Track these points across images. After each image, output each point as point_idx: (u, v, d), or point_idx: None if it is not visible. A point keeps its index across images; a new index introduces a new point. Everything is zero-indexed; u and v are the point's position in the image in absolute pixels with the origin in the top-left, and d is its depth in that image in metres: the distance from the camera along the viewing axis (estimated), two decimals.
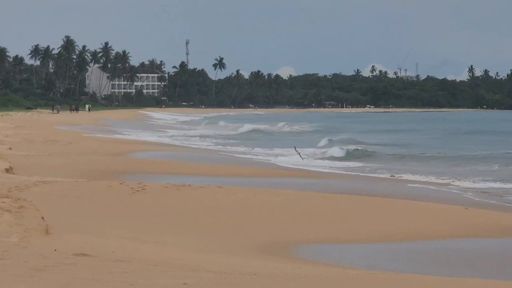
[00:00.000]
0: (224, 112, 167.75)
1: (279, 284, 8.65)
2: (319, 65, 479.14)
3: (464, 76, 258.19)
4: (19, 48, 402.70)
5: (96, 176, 23.43)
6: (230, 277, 8.85)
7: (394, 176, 28.84)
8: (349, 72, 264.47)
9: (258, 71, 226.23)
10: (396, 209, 17.82)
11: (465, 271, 12.10)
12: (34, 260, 9.16)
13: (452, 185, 25.77)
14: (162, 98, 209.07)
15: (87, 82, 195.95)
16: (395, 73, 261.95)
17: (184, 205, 17.20)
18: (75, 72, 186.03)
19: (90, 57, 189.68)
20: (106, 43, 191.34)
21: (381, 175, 29.40)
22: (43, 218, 12.55)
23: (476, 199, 21.74)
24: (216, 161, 34.23)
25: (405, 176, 28.56)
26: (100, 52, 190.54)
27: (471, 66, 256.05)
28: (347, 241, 14.42)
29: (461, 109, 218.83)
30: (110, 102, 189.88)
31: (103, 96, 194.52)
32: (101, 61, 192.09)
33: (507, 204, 20.72)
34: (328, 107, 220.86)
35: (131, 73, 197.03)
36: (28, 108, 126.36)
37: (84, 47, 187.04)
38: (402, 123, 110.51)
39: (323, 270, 10.51)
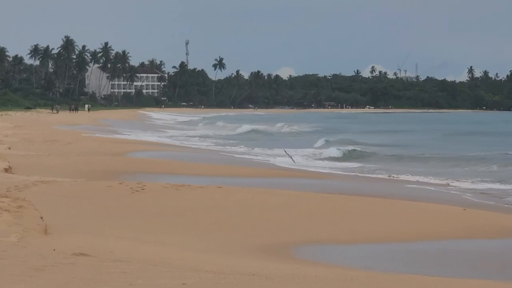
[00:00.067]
0: (223, 112, 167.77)
1: (278, 284, 8.65)
2: (319, 65, 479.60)
3: (463, 77, 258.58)
4: (18, 47, 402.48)
5: (95, 176, 23.43)
6: (229, 277, 8.86)
7: (391, 176, 28.85)
8: (348, 72, 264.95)
9: (258, 72, 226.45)
10: (395, 209, 17.82)
11: (464, 272, 12.10)
12: (33, 260, 9.16)
13: (450, 186, 25.78)
14: (162, 98, 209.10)
15: (86, 82, 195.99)
16: (395, 73, 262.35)
17: (183, 205, 17.20)
18: (75, 72, 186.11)
19: (90, 57, 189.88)
20: (106, 43, 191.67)
21: (380, 176, 29.39)
22: (42, 218, 12.55)
23: (475, 200, 21.74)
24: (215, 161, 34.23)
25: (404, 177, 28.56)
26: (100, 52, 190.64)
27: (471, 67, 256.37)
28: (347, 241, 14.42)
29: (460, 110, 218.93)
30: (110, 102, 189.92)
31: (103, 96, 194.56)
32: (101, 61, 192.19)
33: (506, 205, 20.72)
34: (328, 108, 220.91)
35: (131, 73, 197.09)
36: (28, 108, 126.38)
37: (83, 47, 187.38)
38: (401, 123, 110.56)
39: (322, 271, 10.51)
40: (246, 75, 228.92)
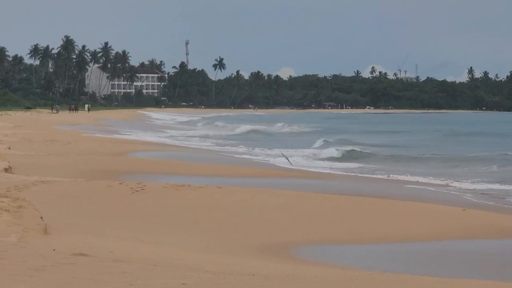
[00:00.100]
0: (224, 112, 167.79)
1: (278, 284, 8.65)
2: (319, 66, 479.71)
3: (463, 78, 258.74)
4: (18, 47, 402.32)
5: (95, 176, 23.43)
6: (229, 277, 8.86)
7: (390, 177, 28.85)
8: (349, 73, 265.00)
9: (258, 72, 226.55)
10: (395, 210, 17.82)
11: (464, 272, 12.10)
12: (33, 260, 9.16)
13: (450, 186, 25.77)
14: (162, 98, 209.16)
15: (86, 82, 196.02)
16: (395, 74, 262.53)
17: (183, 205, 17.20)
18: (75, 72, 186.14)
19: (90, 57, 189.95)
20: (106, 43, 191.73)
21: (379, 176, 29.38)
22: (42, 218, 12.55)
23: (475, 200, 21.74)
24: (215, 161, 34.23)
25: (404, 177, 28.55)
26: (100, 52, 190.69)
27: (471, 67, 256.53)
28: (347, 242, 14.43)
29: (460, 111, 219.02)
30: (110, 102, 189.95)
31: (103, 96, 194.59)
32: (101, 61, 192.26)
33: (506, 206, 20.72)
34: (328, 108, 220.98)
35: (131, 73, 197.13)
36: (28, 108, 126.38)
37: (83, 47, 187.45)
38: (401, 124, 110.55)
39: (322, 271, 10.51)
40: (246, 75, 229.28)
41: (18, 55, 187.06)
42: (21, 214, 12.37)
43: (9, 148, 33.07)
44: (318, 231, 15.14)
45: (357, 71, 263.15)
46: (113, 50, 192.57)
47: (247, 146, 49.43)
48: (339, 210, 17.55)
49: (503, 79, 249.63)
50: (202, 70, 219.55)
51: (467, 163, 35.97)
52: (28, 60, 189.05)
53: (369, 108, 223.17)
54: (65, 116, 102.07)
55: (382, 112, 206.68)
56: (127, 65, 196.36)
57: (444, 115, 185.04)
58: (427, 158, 39.58)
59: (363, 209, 17.64)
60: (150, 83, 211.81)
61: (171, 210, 16.66)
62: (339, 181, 26.37)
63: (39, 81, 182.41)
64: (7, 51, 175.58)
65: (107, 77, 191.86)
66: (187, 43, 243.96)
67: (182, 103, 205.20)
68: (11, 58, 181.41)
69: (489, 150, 45.52)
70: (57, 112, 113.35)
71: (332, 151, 41.99)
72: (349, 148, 43.92)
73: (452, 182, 26.80)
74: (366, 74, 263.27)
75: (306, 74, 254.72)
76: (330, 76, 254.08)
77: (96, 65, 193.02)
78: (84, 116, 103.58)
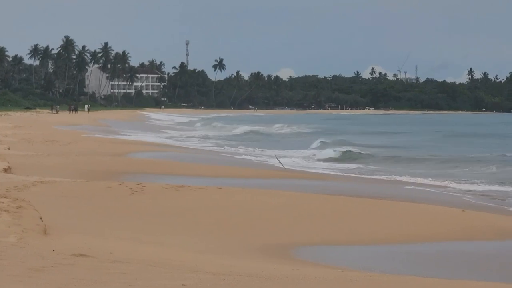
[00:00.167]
0: (223, 113, 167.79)
1: (278, 285, 8.65)
2: (319, 66, 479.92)
3: (463, 79, 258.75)
4: (18, 47, 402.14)
5: (95, 176, 23.43)
6: (229, 278, 8.86)
7: (390, 177, 28.85)
8: (349, 74, 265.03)
9: (258, 72, 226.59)
10: (394, 211, 17.82)
11: (463, 273, 12.10)
12: (32, 260, 9.16)
13: (449, 187, 25.78)
14: (162, 98, 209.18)
15: (86, 82, 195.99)
16: (395, 75, 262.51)
17: (183, 206, 17.20)
18: (75, 72, 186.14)
19: (90, 57, 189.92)
20: (106, 43, 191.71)
21: (378, 177, 29.37)
22: (41, 218, 12.54)
23: (474, 201, 21.74)
24: (215, 162, 34.23)
25: (403, 178, 28.55)
26: (100, 52, 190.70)
27: (471, 68, 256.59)
28: (346, 243, 14.43)
29: (460, 112, 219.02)
30: (110, 102, 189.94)
31: (103, 97, 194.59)
32: (101, 61, 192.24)
33: (505, 207, 20.72)
34: (328, 109, 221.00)
35: (131, 73, 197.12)
36: (27, 108, 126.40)
37: (83, 47, 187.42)
38: (400, 125, 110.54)
39: (322, 272, 10.51)
40: (246, 76, 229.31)
41: (18, 55, 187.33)
42: (20, 215, 12.37)
43: (9, 149, 33.06)
44: (318, 231, 15.14)
45: (357, 72, 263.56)
46: (113, 50, 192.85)
47: (246, 147, 49.42)
48: (338, 211, 17.55)
49: (503, 80, 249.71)
50: (202, 70, 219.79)
51: (467, 164, 35.98)
52: (28, 60, 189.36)
53: (369, 109, 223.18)
54: (65, 116, 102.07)
55: (382, 113, 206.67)
56: (127, 65, 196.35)
57: (444, 116, 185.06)
58: (427, 159, 39.57)
59: (363, 210, 17.65)
60: (150, 83, 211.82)
61: (171, 211, 16.66)
62: (338, 182, 26.37)
63: (39, 82, 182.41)
64: (7, 51, 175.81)
65: (107, 78, 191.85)
66: (187, 44, 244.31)
67: (182, 104, 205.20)
68: (11, 58, 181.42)
69: (489, 151, 45.52)
70: (56, 113, 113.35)
71: (329, 152, 41.98)
72: (345, 149, 43.84)
73: (451, 183, 26.81)
74: (366, 75, 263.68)
75: (306, 75, 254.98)
76: (330, 77, 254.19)
77: (96, 65, 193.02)
78: (84, 117, 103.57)
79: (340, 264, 12.24)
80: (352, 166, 35.24)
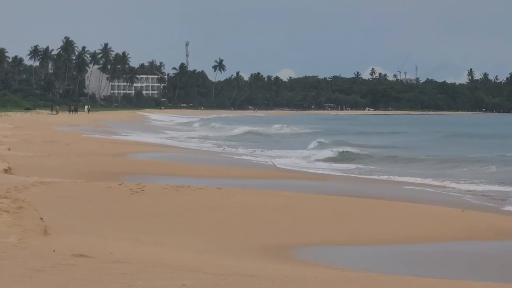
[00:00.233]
0: (223, 114, 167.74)
1: (278, 285, 8.66)
2: (319, 67, 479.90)
3: (463, 79, 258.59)
4: (18, 48, 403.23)
5: (95, 177, 23.43)
6: (229, 278, 8.86)
7: (390, 177, 28.85)
8: (349, 74, 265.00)
9: (258, 73, 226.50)
10: (394, 211, 17.83)
11: (463, 273, 12.10)
12: (33, 261, 9.16)
13: (449, 187, 25.77)
14: (162, 99, 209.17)
15: (86, 83, 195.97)
16: (395, 75, 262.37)
17: (183, 206, 17.21)
18: (75, 73, 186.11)
19: (90, 58, 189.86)
20: (106, 44, 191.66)
21: (378, 177, 29.35)
22: (41, 218, 12.55)
23: (474, 201, 21.74)
24: (214, 162, 34.23)
25: (403, 178, 28.53)
26: (100, 53, 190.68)
27: (471, 69, 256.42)
28: (347, 243, 14.43)
29: (460, 112, 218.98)
30: (110, 103, 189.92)
31: (103, 97, 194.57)
32: (101, 62, 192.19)
33: (505, 207, 20.72)
34: (328, 110, 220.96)
35: (131, 74, 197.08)
36: (27, 109, 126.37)
37: (83, 48, 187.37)
38: (400, 125, 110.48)
39: (322, 272, 10.52)
40: (246, 76, 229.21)
41: (18, 56, 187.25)
42: (21, 215, 12.38)
43: (9, 149, 33.07)
44: (318, 232, 15.14)
45: (357, 73, 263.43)
46: (113, 51, 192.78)
47: (245, 148, 49.41)
48: (339, 211, 17.56)
49: (503, 81, 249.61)
50: (202, 71, 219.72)
51: (466, 164, 35.96)
52: (28, 61, 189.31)
53: (368, 110, 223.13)
54: (64, 117, 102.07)
55: (382, 113, 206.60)
56: (127, 66, 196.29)
57: (444, 116, 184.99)
58: (426, 159, 39.55)
59: (363, 210, 17.65)
60: (150, 84, 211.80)
61: (171, 211, 16.66)
62: (338, 182, 26.37)
63: (39, 82, 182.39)
64: (7, 52, 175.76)
65: (107, 78, 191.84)
66: (187, 45, 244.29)
67: (182, 104, 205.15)
68: (10, 59, 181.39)
69: (488, 151, 45.51)
70: (56, 113, 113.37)
71: (327, 153, 41.93)
72: (343, 149, 43.73)
73: (451, 183, 26.80)
74: (366, 75, 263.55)
75: (306, 76, 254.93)
76: (330, 78, 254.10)
77: (96, 66, 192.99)
78: (83, 117, 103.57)
79: (340, 265, 12.25)
80: (351, 166, 35.21)
